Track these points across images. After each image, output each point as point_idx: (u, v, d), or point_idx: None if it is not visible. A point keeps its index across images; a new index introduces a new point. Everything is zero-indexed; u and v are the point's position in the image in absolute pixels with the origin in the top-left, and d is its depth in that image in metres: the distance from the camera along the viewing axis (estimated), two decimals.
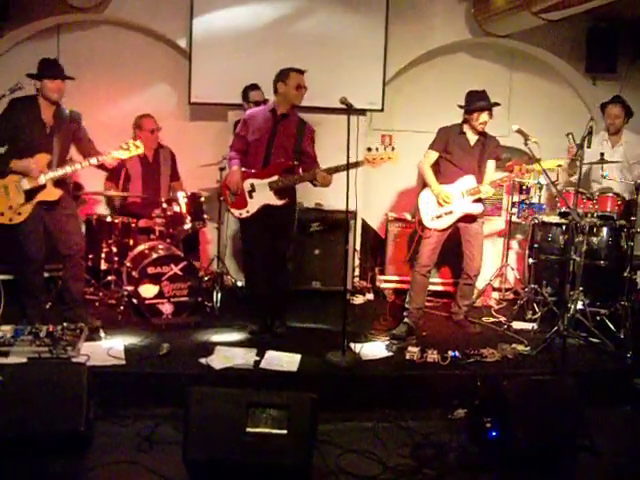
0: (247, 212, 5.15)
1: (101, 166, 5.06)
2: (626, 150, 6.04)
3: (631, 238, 5.47)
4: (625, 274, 5.39)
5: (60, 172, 4.86)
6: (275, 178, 5.07)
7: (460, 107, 5.40)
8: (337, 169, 4.91)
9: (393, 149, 5.01)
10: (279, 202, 5.11)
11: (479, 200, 5.43)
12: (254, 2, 6.62)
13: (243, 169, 5.16)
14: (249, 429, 3.40)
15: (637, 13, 6.41)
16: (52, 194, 4.90)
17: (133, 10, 6.63)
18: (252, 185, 5.12)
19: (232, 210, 5.24)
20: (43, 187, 4.85)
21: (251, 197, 5.13)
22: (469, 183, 5.39)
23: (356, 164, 4.85)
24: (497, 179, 5.46)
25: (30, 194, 4.83)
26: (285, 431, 3.40)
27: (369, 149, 4.94)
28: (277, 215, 5.14)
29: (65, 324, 4.69)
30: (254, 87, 6.18)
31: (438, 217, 5.40)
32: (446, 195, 5.34)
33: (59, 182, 4.93)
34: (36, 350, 4.34)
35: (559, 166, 5.73)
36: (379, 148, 4.99)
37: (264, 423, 3.43)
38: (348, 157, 4.68)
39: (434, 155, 5.47)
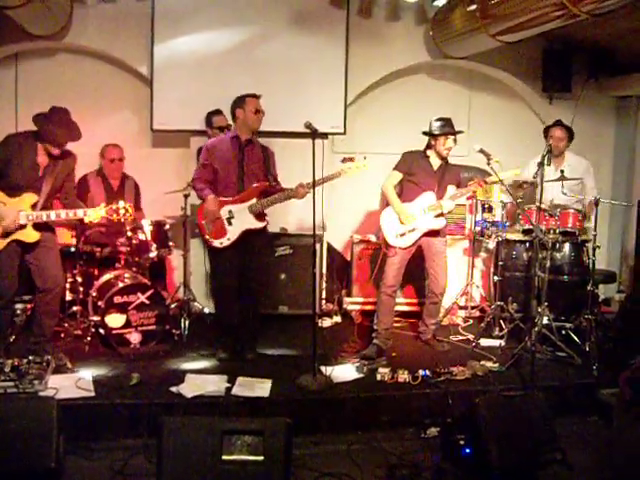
0: (228, 240, 5.13)
1: (80, 220, 4.99)
2: (569, 172, 6.13)
3: (592, 252, 5.57)
4: (588, 288, 5.48)
5: (43, 217, 4.71)
6: (254, 201, 5.10)
7: (425, 133, 5.48)
8: (315, 184, 4.92)
9: (365, 158, 5.14)
10: (260, 225, 5.16)
11: (441, 215, 5.51)
12: (215, 28, 6.64)
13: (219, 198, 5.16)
14: (225, 457, 3.37)
15: (590, 35, 6.59)
16: (29, 236, 4.75)
17: (93, 37, 6.59)
18: (230, 212, 5.12)
19: (211, 240, 5.16)
20: (22, 226, 4.71)
21: (230, 224, 5.12)
22: (429, 199, 5.47)
23: (333, 176, 5.05)
24: (457, 192, 5.52)
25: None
26: (261, 457, 3.37)
27: (343, 160, 5.06)
28: (251, 241, 5.16)
29: (31, 357, 4.59)
30: (217, 113, 6.19)
31: (402, 235, 5.45)
32: (409, 214, 5.40)
33: (39, 226, 4.78)
34: (1, 385, 4.24)
35: (517, 176, 5.79)
36: (353, 157, 5.10)
37: (239, 450, 3.40)
38: (314, 180, 4.73)
39: (397, 176, 5.54)
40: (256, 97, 5.14)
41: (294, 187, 5.06)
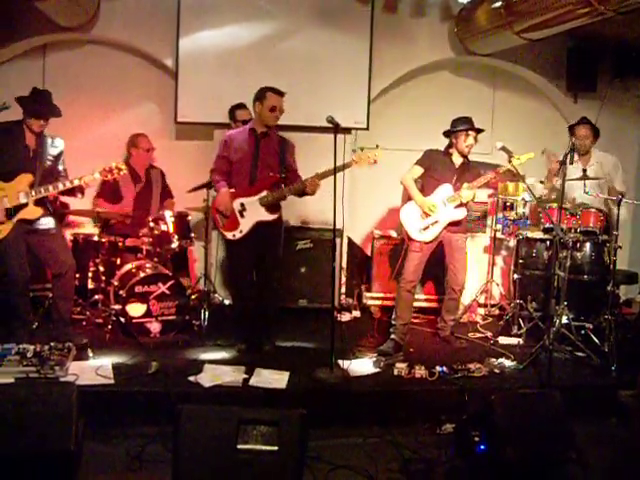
0: (240, 232, 5.17)
1: (77, 189, 5.06)
2: (597, 170, 6.09)
3: (613, 253, 5.53)
4: (608, 288, 5.45)
5: (42, 192, 4.89)
6: (265, 193, 5.11)
7: (445, 134, 5.50)
8: (325, 174, 4.94)
9: (377, 146, 5.09)
10: (271, 217, 5.16)
11: (461, 205, 5.51)
12: (241, 22, 6.67)
13: (231, 190, 5.19)
14: (240, 446, 3.39)
15: (616, 33, 6.53)
16: (33, 213, 4.93)
17: (120, 30, 6.66)
18: (242, 204, 5.15)
19: (224, 233, 5.22)
20: (24, 206, 4.88)
21: (242, 216, 5.15)
22: (447, 191, 5.48)
23: (344, 166, 4.95)
24: (474, 182, 5.48)
25: (11, 213, 4.86)
26: (276, 447, 3.39)
27: (354, 150, 5.02)
28: (266, 233, 5.17)
29: (53, 343, 4.68)
30: (241, 106, 6.22)
31: (425, 229, 5.46)
32: (432, 205, 5.41)
33: (40, 202, 4.96)
34: (23, 370, 4.32)
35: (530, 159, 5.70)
36: (364, 149, 5.06)
37: (254, 440, 3.42)
38: (335, 176, 4.74)
39: (418, 170, 5.54)
40: (278, 93, 5.13)
41: (303, 180, 5.06)
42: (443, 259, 5.69)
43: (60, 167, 5.19)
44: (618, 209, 5.41)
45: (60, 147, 5.17)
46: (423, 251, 5.49)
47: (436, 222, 5.45)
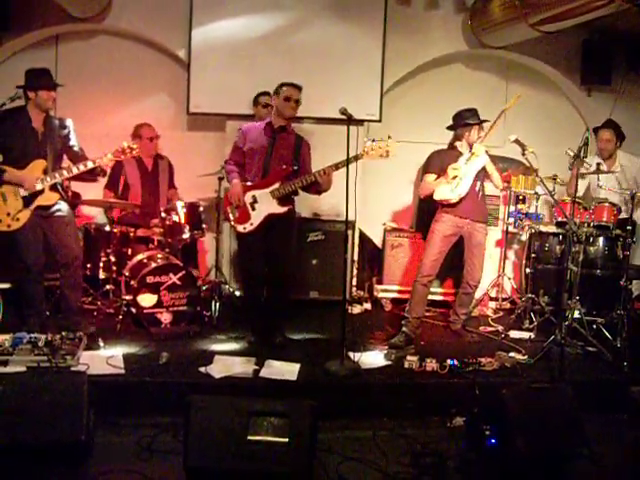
0: (251, 225, 5.15)
1: (96, 171, 5.06)
2: (621, 175, 6.05)
3: (627, 248, 5.49)
4: (621, 283, 5.41)
5: (57, 177, 4.91)
6: (277, 186, 5.09)
7: (453, 128, 5.47)
8: (337, 166, 4.92)
9: (389, 137, 4.98)
10: (282, 210, 5.13)
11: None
12: (253, 13, 6.66)
13: (243, 182, 5.18)
14: (250, 437, 3.40)
15: (631, 26, 6.47)
16: (50, 198, 4.96)
17: (132, 20, 6.67)
18: (254, 197, 5.13)
19: (236, 225, 5.21)
20: (41, 192, 4.90)
21: (254, 209, 5.14)
22: (465, 157, 5.44)
23: (355, 157, 4.89)
24: (483, 134, 5.45)
25: (28, 200, 4.89)
26: (286, 439, 3.40)
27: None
28: (278, 226, 5.16)
29: (64, 333, 4.67)
30: (265, 93, 6.20)
31: (457, 186, 5.38)
32: (452, 167, 5.37)
33: (55, 187, 4.99)
34: (35, 359, 4.32)
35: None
36: (376, 140, 5.01)
37: (265, 431, 3.43)
38: (348, 167, 4.70)
39: (432, 177, 5.52)
40: (293, 86, 5.12)
41: (314, 173, 5.03)
42: (461, 256, 5.67)
43: (76, 148, 5.14)
44: (632, 203, 5.37)
45: (69, 127, 5.14)
46: (437, 248, 5.45)
47: (465, 175, 5.38)
